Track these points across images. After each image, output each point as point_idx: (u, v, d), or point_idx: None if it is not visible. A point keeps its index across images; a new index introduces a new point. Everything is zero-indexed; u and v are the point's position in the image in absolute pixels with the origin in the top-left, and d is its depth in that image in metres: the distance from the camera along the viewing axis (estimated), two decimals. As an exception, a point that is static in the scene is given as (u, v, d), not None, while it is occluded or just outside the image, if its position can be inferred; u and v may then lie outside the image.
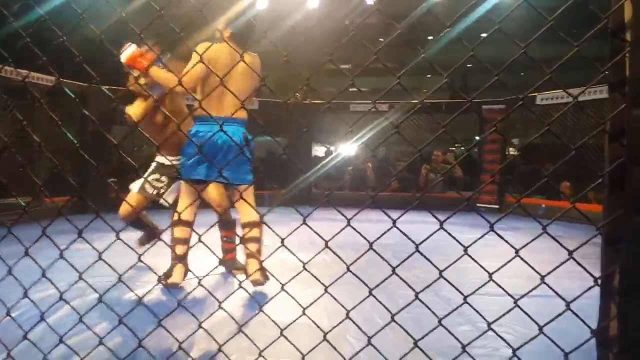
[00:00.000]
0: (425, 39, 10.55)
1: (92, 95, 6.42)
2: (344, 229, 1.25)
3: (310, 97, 9.00)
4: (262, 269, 2.88)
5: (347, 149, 9.85)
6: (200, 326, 1.38)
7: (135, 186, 3.47)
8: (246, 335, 1.37)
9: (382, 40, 10.99)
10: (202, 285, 1.41)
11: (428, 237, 1.20)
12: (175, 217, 2.93)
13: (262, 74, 2.98)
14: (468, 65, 12.06)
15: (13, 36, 1.73)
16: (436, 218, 1.18)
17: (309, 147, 9.14)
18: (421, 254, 1.13)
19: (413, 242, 1.14)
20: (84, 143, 6.15)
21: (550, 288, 1.07)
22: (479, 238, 1.12)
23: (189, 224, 2.96)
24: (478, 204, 8.02)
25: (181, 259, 2.93)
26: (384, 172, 9.21)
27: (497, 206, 7.98)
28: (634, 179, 0.78)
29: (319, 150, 11.48)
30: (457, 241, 1.17)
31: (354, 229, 1.22)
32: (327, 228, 1.29)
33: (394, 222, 1.16)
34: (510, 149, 9.64)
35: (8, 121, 5.67)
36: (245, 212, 2.94)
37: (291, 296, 1.29)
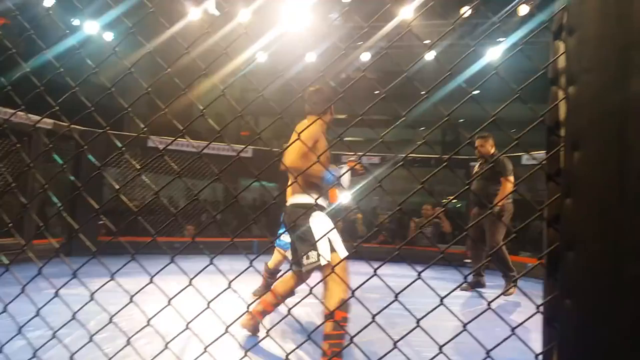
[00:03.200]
0: (419, 94, 10.86)
1: (89, 138, 6.51)
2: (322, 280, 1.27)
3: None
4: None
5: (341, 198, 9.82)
6: None
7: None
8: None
9: (377, 93, 11.36)
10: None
11: (407, 287, 1.25)
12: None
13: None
14: (460, 120, 12.39)
15: (20, 79, 1.79)
16: (414, 269, 1.21)
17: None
18: (400, 302, 1.14)
19: (392, 290, 1.17)
20: (77, 186, 6.13)
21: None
22: (453, 289, 1.14)
23: None
24: (465, 260, 7.97)
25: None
26: (372, 224, 9.20)
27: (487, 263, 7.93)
28: (566, 264, 0.84)
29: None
30: (433, 290, 1.20)
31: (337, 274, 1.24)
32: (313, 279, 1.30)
33: (375, 270, 1.19)
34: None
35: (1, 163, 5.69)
36: None
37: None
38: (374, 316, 1.21)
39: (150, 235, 1.40)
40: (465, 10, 8.83)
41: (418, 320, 1.18)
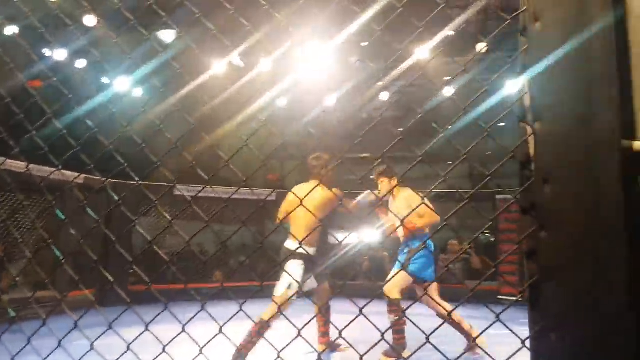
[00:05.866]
0: (440, 129, 10.81)
1: (119, 189, 6.70)
2: (355, 318, 1.26)
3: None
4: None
5: (365, 237, 9.72)
6: None
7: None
8: None
9: (399, 130, 11.41)
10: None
11: (437, 328, 1.22)
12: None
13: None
14: (487, 153, 12.24)
15: (51, 135, 1.88)
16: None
17: (327, 235, 9.05)
18: (431, 344, 1.13)
19: (423, 332, 1.16)
20: (107, 236, 6.25)
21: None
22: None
23: None
24: (499, 297, 7.66)
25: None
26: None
27: (521, 298, 7.58)
28: (546, 297, 0.84)
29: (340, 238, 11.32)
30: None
31: (366, 317, 1.23)
32: (342, 321, 1.29)
33: (403, 311, 1.17)
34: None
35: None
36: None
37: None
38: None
39: (180, 282, 1.42)
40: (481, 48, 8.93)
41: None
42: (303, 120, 10.09)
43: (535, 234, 0.86)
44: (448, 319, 3.81)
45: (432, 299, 3.88)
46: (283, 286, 3.63)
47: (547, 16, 0.86)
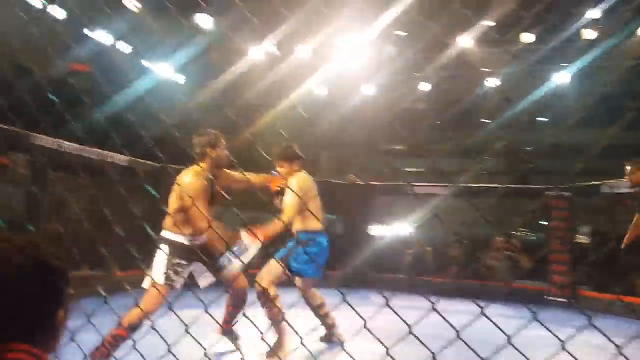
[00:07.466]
0: (480, 123, 10.56)
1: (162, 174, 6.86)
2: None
3: (363, 178, 9.08)
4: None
5: (406, 230, 9.62)
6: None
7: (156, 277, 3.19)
8: None
9: (437, 124, 11.18)
10: None
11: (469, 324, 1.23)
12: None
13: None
14: (528, 149, 11.80)
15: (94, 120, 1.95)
16: (478, 306, 1.15)
17: (365, 227, 9.02)
18: (463, 341, 1.10)
19: (454, 327, 1.13)
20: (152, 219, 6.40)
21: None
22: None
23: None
24: (548, 297, 7.35)
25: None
26: (443, 257, 8.85)
27: (571, 300, 7.13)
28: None
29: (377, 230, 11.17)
30: (500, 329, 1.13)
31: (393, 309, 1.21)
32: (382, 314, 1.28)
33: (433, 304, 1.15)
34: (581, 237, 9.02)
35: (84, 197, 6.09)
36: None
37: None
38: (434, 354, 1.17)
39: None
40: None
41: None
42: (340, 109, 10.05)
43: None
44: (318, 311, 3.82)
45: (307, 291, 3.86)
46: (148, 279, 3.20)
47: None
